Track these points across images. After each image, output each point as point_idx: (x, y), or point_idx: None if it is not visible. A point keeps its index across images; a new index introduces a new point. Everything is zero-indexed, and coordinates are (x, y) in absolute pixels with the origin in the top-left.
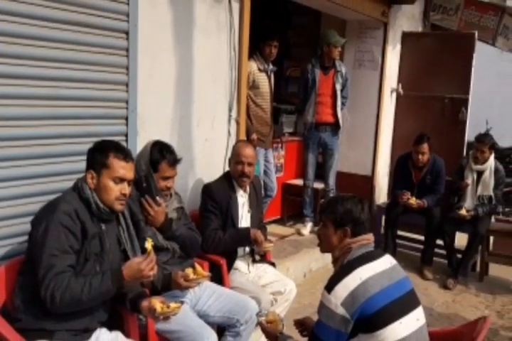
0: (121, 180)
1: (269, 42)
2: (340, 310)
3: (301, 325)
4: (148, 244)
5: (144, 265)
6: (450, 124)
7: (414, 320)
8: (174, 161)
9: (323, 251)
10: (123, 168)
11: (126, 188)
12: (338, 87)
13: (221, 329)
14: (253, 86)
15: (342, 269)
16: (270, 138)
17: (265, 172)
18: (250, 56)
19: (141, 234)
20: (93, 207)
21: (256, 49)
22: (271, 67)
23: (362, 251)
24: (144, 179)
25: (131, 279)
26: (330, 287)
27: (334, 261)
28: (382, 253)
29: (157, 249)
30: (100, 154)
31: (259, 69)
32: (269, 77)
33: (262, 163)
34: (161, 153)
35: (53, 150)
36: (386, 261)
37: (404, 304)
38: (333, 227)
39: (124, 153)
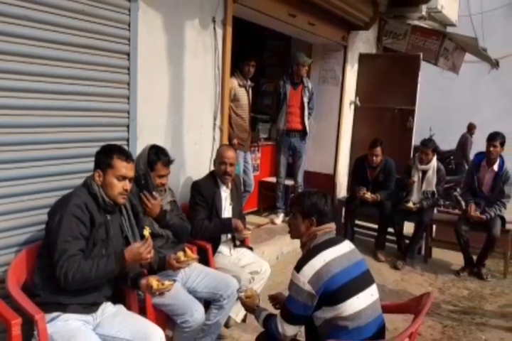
0: (124, 177)
1: (248, 62)
2: (307, 287)
3: (274, 299)
4: (146, 232)
5: (142, 249)
6: (399, 131)
7: (369, 295)
8: (168, 162)
9: (292, 237)
10: (125, 168)
11: (127, 185)
12: (306, 99)
13: (207, 303)
14: (234, 99)
15: (309, 252)
16: (248, 143)
17: (244, 171)
18: (232, 74)
19: (141, 223)
20: (100, 201)
21: (236, 68)
22: (249, 83)
23: (325, 238)
24: (142, 177)
25: (132, 261)
26: (298, 267)
27: (302, 246)
28: (342, 239)
29: (153, 235)
30: (106, 156)
31: (239, 85)
32: (247, 92)
33: (242, 163)
34: (157, 155)
35: (66, 153)
36: (346, 246)
37: (361, 282)
38: (302, 217)
39: (126, 155)
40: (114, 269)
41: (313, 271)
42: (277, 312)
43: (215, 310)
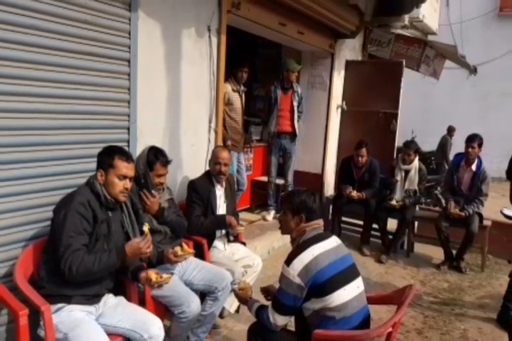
0: (124, 177)
1: (241, 68)
2: (297, 280)
3: (266, 291)
4: (146, 228)
5: (142, 244)
6: (383, 133)
7: (355, 287)
8: (166, 162)
9: (283, 233)
10: (126, 168)
11: (128, 183)
12: (295, 103)
13: (203, 295)
14: (228, 103)
15: (298, 247)
16: (242, 144)
17: (238, 171)
18: (226, 79)
19: (140, 220)
20: (102, 199)
21: (230, 74)
22: (242, 88)
23: (314, 233)
24: (142, 176)
25: (132, 255)
26: (289, 261)
27: (292, 241)
28: (329, 234)
29: (152, 231)
30: (107, 157)
31: (233, 90)
32: (240, 96)
33: (236, 163)
34: (156, 156)
35: (71, 154)
36: (333, 241)
37: (347, 275)
38: (291, 214)
39: (126, 156)
40: (116, 263)
41: (303, 264)
42: (269, 303)
43: (211, 302)
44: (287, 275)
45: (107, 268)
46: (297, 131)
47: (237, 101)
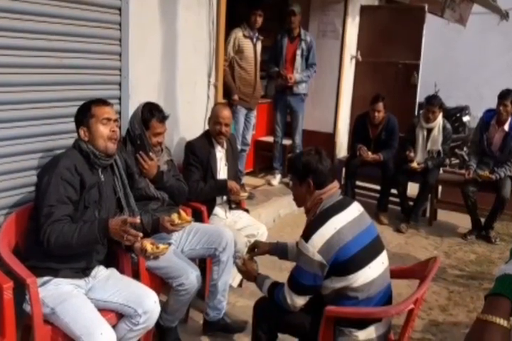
0: (108, 120)
1: (254, 11)
2: (318, 257)
3: (253, 248)
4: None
5: (126, 233)
6: (403, 87)
7: (380, 264)
8: (163, 118)
9: (298, 206)
10: (106, 112)
11: (114, 126)
12: (298, 52)
13: (203, 268)
14: (238, 50)
15: (317, 219)
16: (255, 100)
17: (243, 129)
18: (238, 25)
19: (135, 185)
20: (91, 157)
21: (243, 19)
22: (256, 34)
23: (332, 201)
24: (138, 137)
25: (113, 234)
26: (307, 236)
27: (307, 212)
28: (350, 201)
29: (149, 198)
30: (83, 111)
31: (245, 36)
32: (254, 44)
33: (242, 121)
34: (151, 112)
35: (58, 112)
36: (355, 209)
37: (372, 249)
38: (298, 182)
39: (102, 100)
40: (97, 237)
41: (324, 239)
42: (260, 272)
43: (216, 267)
44: (306, 253)
45: (87, 241)
46: (297, 86)
47: (249, 49)
